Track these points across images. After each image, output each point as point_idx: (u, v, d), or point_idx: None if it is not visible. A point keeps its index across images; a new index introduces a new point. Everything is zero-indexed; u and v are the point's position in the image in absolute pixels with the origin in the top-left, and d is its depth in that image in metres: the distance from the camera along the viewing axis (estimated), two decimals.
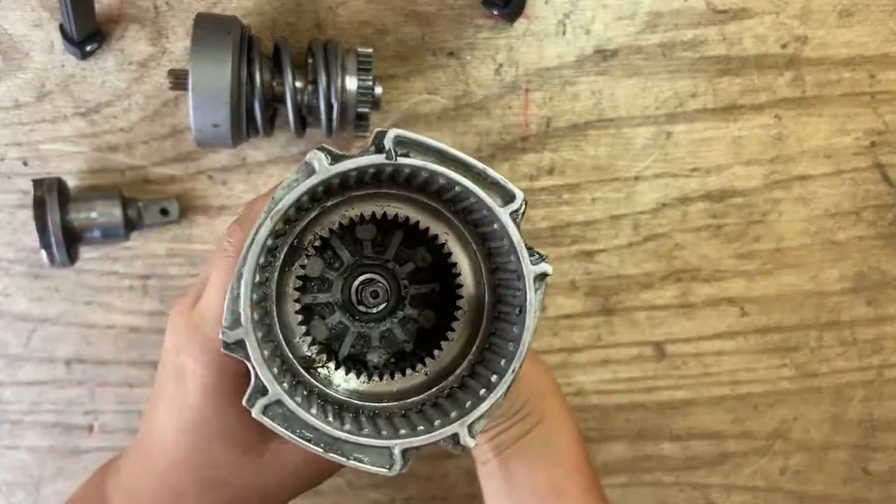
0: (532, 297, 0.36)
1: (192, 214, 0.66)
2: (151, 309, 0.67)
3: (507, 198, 0.35)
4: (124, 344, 0.68)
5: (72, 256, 0.61)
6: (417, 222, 0.39)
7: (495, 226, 0.36)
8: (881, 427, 0.75)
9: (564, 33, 0.66)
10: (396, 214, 0.39)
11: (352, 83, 0.58)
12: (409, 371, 0.39)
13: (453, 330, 0.39)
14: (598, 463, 0.73)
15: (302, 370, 0.38)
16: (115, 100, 0.64)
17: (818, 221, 0.71)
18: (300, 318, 0.38)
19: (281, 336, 0.38)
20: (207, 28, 0.56)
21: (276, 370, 0.35)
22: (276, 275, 0.38)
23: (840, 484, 0.76)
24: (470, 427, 0.35)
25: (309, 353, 0.38)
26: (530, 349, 0.36)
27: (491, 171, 0.35)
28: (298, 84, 0.58)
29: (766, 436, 0.75)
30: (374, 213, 0.38)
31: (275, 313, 0.38)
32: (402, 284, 0.42)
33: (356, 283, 0.41)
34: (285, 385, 0.35)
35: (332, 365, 0.39)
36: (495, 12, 0.64)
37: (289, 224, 0.37)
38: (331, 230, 0.38)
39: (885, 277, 0.72)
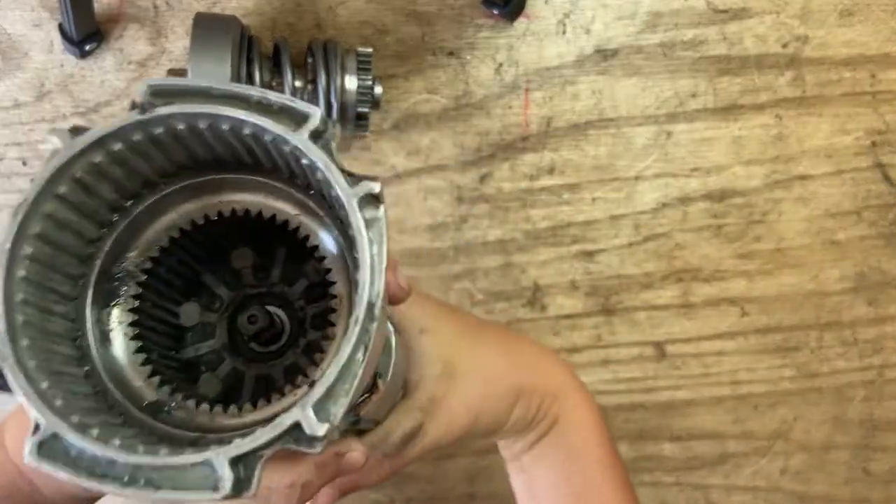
0: (360, 224, 0.27)
1: None
2: None
3: (301, 119, 0.28)
4: None
5: None
6: (286, 221, 0.32)
7: (304, 162, 0.28)
8: (882, 427, 0.75)
9: (564, 33, 0.66)
10: (233, 210, 0.32)
11: (351, 83, 0.58)
12: (288, 388, 0.32)
13: (330, 339, 0.32)
14: None
15: (145, 417, 0.31)
16: (115, 99, 0.64)
17: (819, 221, 0.70)
18: (140, 357, 0.32)
19: (109, 382, 0.31)
20: (207, 28, 0.56)
21: (62, 402, 0.27)
22: (87, 309, 0.31)
23: (841, 484, 0.76)
24: (318, 409, 0.26)
25: (157, 397, 0.32)
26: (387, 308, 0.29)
27: (273, 95, 0.28)
28: (298, 84, 0.58)
29: (766, 436, 0.74)
30: (206, 215, 0.31)
31: (96, 356, 0.31)
32: (298, 307, 0.35)
33: (241, 321, 0.34)
34: (75, 419, 0.27)
35: (190, 403, 0.32)
36: (495, 12, 0.64)
37: (80, 238, 0.30)
38: (160, 251, 0.31)
39: (886, 277, 0.72)
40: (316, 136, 0.28)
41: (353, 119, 0.59)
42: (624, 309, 0.71)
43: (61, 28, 0.61)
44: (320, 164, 0.28)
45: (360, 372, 0.26)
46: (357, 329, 0.27)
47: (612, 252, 0.70)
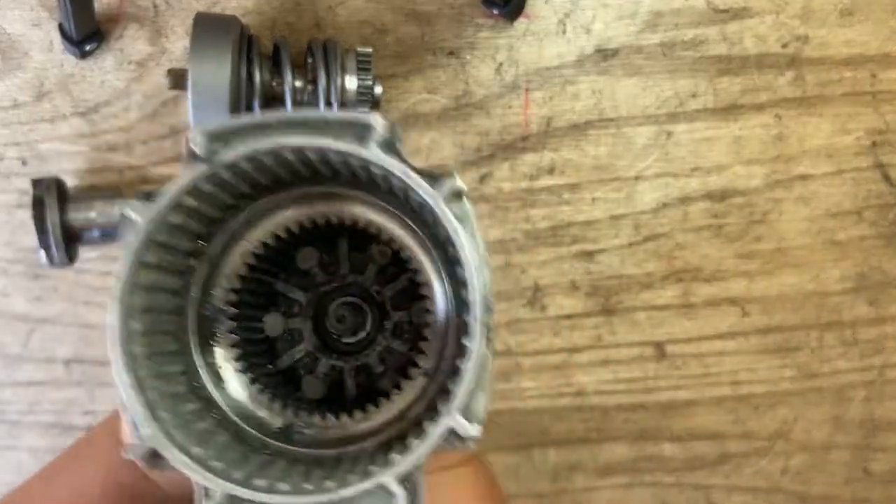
0: (453, 223, 0.27)
1: None
2: None
3: (364, 131, 0.28)
4: None
5: (71, 256, 0.61)
6: (344, 223, 0.32)
7: (376, 171, 0.29)
8: (883, 427, 0.75)
9: (565, 33, 0.66)
10: (300, 225, 0.32)
11: (351, 83, 0.58)
12: (403, 381, 0.32)
13: (427, 323, 0.33)
14: (598, 463, 0.73)
15: (281, 444, 0.32)
16: (115, 99, 0.64)
17: (819, 221, 0.70)
18: (255, 387, 0.32)
19: (239, 421, 0.32)
20: (207, 28, 0.56)
21: (219, 463, 0.28)
22: (195, 357, 0.31)
23: (841, 484, 0.76)
24: (464, 412, 0.27)
25: (283, 421, 0.32)
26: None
27: (331, 114, 0.29)
28: (298, 83, 0.58)
29: (767, 436, 0.74)
30: (275, 234, 0.32)
31: (219, 400, 0.32)
32: (375, 292, 0.36)
33: (330, 322, 0.35)
34: (237, 475, 0.28)
35: (317, 419, 0.32)
36: (495, 11, 0.64)
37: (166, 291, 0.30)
38: (240, 280, 0.31)
39: (887, 277, 0.72)
40: (384, 143, 0.29)
41: None
42: (624, 309, 0.71)
43: (61, 28, 0.61)
44: (397, 172, 0.28)
45: (490, 364, 0.28)
46: (479, 325, 0.28)
47: (612, 252, 0.70)
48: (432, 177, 0.29)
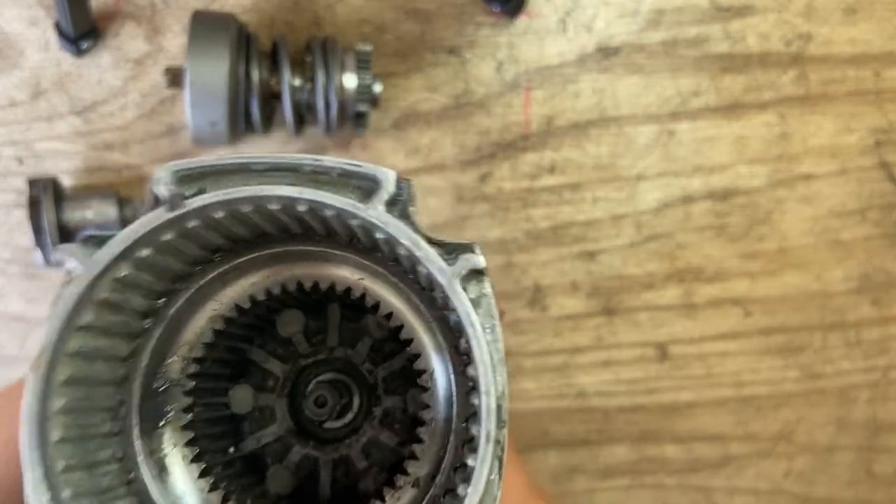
0: (467, 310, 0.22)
1: None
2: None
3: (368, 185, 0.23)
4: None
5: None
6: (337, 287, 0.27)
7: (379, 237, 0.23)
8: (886, 428, 0.75)
9: (566, 31, 0.65)
10: (282, 287, 0.26)
11: (350, 81, 0.58)
12: (387, 490, 0.27)
13: (425, 423, 0.27)
14: (599, 465, 0.73)
15: None
16: (112, 98, 0.63)
17: (823, 221, 0.70)
18: (208, 481, 0.26)
19: None
20: (204, 25, 0.56)
21: None
22: (135, 441, 0.25)
23: (844, 486, 0.76)
24: None
25: None
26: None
27: (329, 160, 0.23)
28: (296, 82, 0.58)
29: (769, 437, 0.74)
30: (251, 297, 0.26)
31: (157, 496, 0.25)
32: (366, 370, 0.30)
33: (307, 405, 0.28)
34: None
35: None
36: (496, 9, 0.63)
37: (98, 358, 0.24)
38: (204, 348, 0.25)
39: (890, 277, 0.72)
40: (391, 202, 0.23)
41: (352, 117, 0.59)
42: (626, 309, 0.70)
43: (58, 26, 0.61)
44: (405, 241, 0.23)
45: (498, 493, 0.23)
46: (489, 445, 0.22)
47: (613, 252, 0.69)
48: (448, 249, 0.24)
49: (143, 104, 0.63)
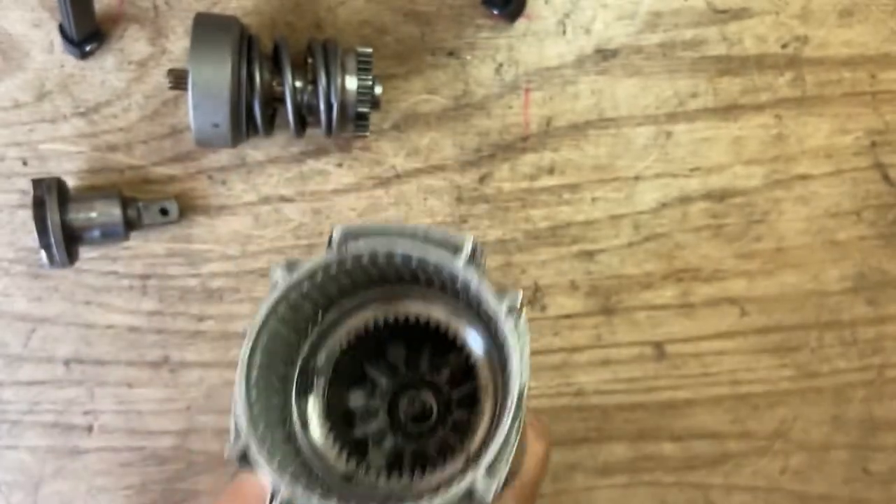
0: (509, 331, 0.35)
1: (191, 214, 0.66)
2: (151, 309, 0.67)
3: (456, 247, 0.35)
4: (123, 344, 0.68)
5: (71, 256, 0.61)
6: (427, 322, 0.39)
7: (460, 281, 0.36)
8: (882, 427, 0.75)
9: (565, 33, 0.66)
10: (396, 318, 0.39)
11: (351, 83, 0.58)
12: (446, 458, 0.38)
13: (478, 416, 0.39)
14: (597, 463, 0.73)
15: (342, 485, 0.38)
16: (115, 99, 0.64)
17: (819, 221, 0.71)
18: (331, 438, 0.39)
19: (312, 458, 0.39)
20: (207, 28, 0.56)
21: (287, 474, 0.34)
22: (292, 399, 0.39)
23: (840, 484, 0.76)
24: (484, 479, 0.33)
25: (346, 469, 0.39)
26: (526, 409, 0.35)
27: (435, 231, 0.35)
28: (298, 84, 0.58)
29: (766, 436, 0.75)
30: (376, 322, 0.39)
31: (300, 437, 0.39)
32: (444, 391, 0.42)
33: (402, 405, 0.42)
34: (300, 486, 0.34)
35: (372, 475, 0.39)
36: (495, 12, 0.64)
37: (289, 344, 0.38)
38: (340, 352, 0.39)
39: (886, 277, 0.72)
40: (470, 260, 0.35)
41: (353, 119, 0.59)
42: (624, 309, 0.71)
43: (61, 28, 0.61)
44: (473, 285, 0.34)
45: (513, 449, 0.33)
46: (511, 415, 0.34)
47: (612, 252, 0.70)
48: (500, 292, 0.35)
49: (147, 106, 0.64)
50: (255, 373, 0.35)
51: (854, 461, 0.76)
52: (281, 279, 0.36)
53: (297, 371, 0.39)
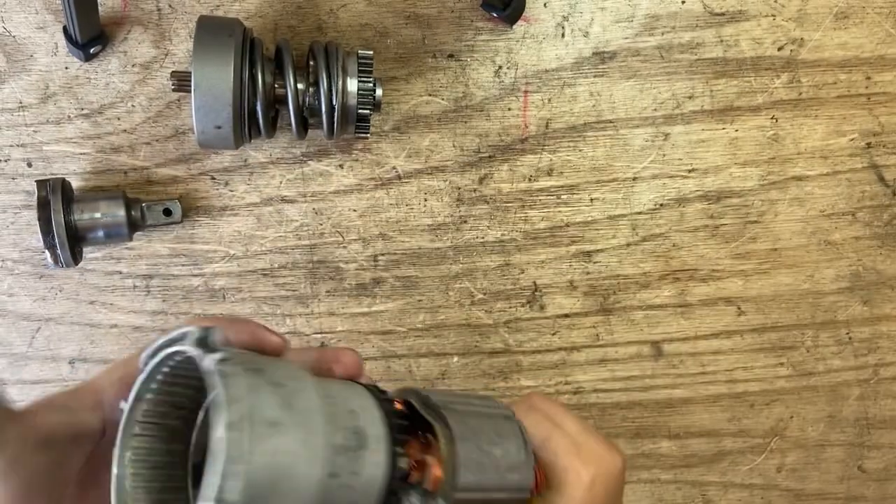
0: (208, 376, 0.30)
1: (194, 215, 0.67)
2: (154, 308, 0.68)
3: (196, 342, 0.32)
4: (127, 343, 0.68)
5: (75, 256, 0.62)
6: None
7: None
8: (876, 425, 0.76)
9: (563, 36, 0.66)
10: None
11: (353, 85, 0.59)
12: None
13: None
14: None
15: None
16: (119, 101, 0.64)
17: (814, 222, 0.71)
18: None
19: None
20: (210, 30, 0.56)
21: None
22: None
23: (836, 482, 0.77)
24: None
25: None
26: None
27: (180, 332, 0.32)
28: (300, 86, 0.58)
29: (762, 434, 0.75)
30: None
31: None
32: None
33: None
34: None
35: None
36: (495, 15, 0.64)
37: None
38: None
39: (881, 277, 0.73)
40: (200, 343, 0.31)
41: (355, 121, 0.60)
42: (622, 308, 0.72)
43: (66, 31, 0.62)
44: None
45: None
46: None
47: (610, 252, 0.70)
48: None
49: (150, 108, 0.64)
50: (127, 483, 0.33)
51: (849, 459, 0.77)
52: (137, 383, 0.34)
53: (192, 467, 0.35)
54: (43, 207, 0.60)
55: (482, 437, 0.41)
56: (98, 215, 0.62)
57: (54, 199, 0.60)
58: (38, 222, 0.60)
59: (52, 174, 0.65)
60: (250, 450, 0.28)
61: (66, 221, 0.60)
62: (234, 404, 0.29)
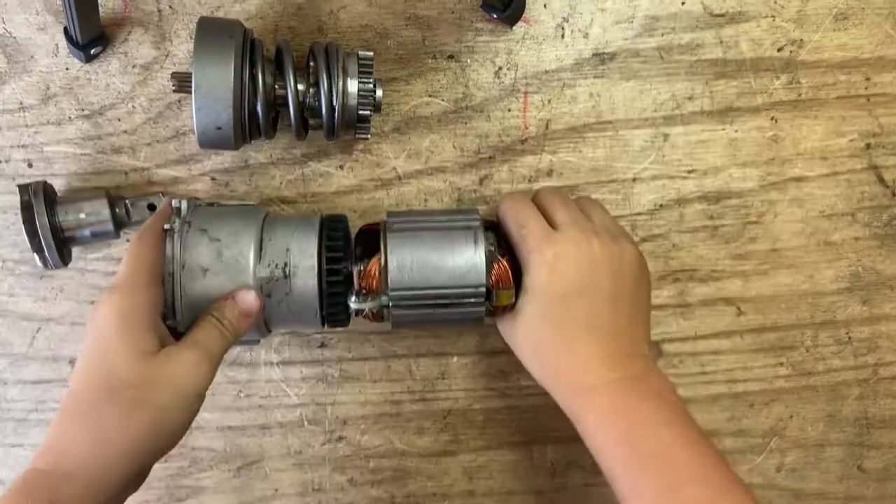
0: None
1: None
2: None
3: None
4: None
5: (64, 258, 0.61)
6: None
7: None
8: (876, 425, 0.76)
9: (563, 37, 0.66)
10: None
11: (353, 86, 0.59)
12: None
13: None
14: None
15: None
16: (119, 102, 0.64)
17: (814, 222, 0.71)
18: None
19: None
20: (210, 31, 0.56)
21: None
22: None
23: (835, 481, 0.77)
24: None
25: None
26: None
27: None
28: (300, 87, 0.59)
29: (762, 434, 0.75)
30: None
31: None
32: None
33: None
34: None
35: None
36: (495, 16, 0.64)
37: None
38: None
39: (880, 277, 0.73)
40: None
41: (355, 122, 0.60)
42: None
43: (66, 32, 0.62)
44: None
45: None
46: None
47: None
48: None
49: (151, 108, 0.65)
50: None
51: (849, 459, 0.77)
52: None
53: None
54: (27, 211, 0.59)
55: (423, 247, 0.55)
56: (83, 216, 0.61)
57: (37, 202, 0.59)
58: (23, 226, 0.59)
59: (53, 175, 0.65)
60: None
61: (51, 224, 0.60)
62: None
